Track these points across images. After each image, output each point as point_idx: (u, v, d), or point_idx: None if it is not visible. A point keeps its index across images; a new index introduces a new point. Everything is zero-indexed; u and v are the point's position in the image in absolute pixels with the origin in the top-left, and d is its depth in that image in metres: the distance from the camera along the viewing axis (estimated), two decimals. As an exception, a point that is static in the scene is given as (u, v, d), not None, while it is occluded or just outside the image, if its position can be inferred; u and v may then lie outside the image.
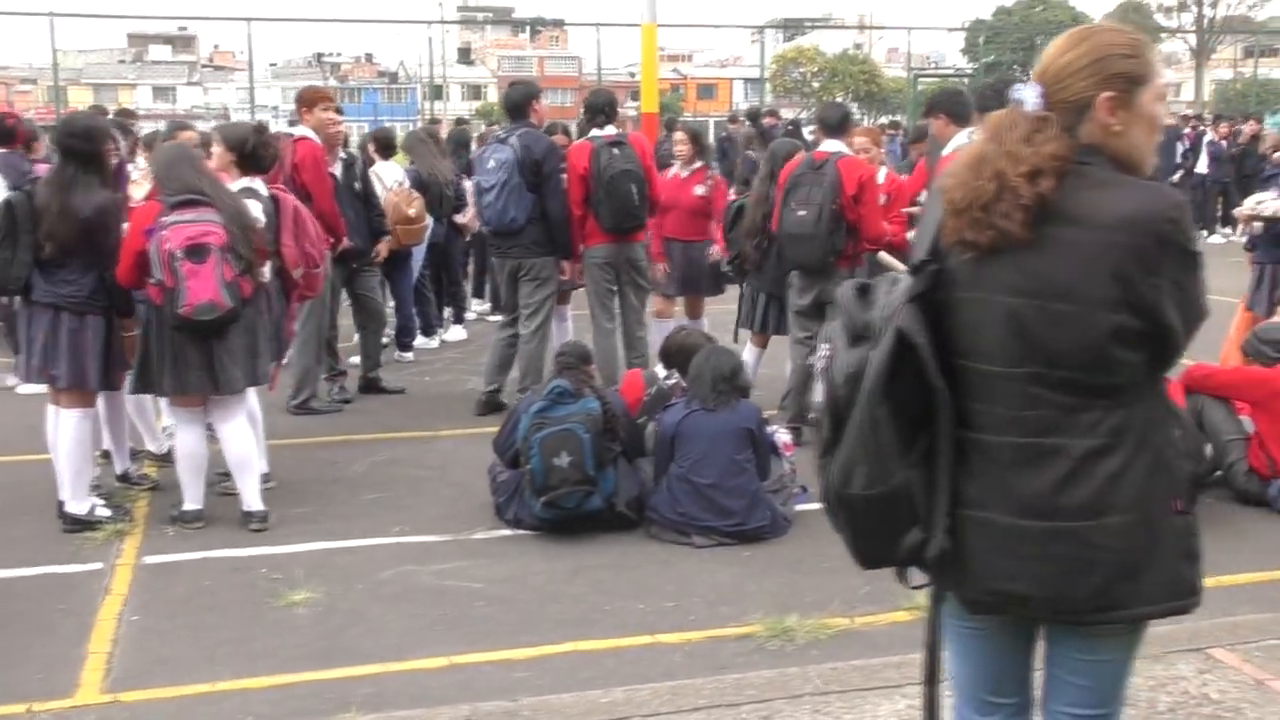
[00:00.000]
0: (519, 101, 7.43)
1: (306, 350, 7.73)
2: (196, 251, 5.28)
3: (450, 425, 7.51)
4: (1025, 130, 2.25)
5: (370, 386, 8.46)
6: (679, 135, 8.27)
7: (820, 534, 5.58)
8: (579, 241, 7.55)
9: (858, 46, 70.66)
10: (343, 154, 8.29)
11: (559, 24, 53.72)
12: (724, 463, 5.42)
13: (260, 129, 6.22)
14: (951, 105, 6.33)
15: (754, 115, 21.79)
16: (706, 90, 72.66)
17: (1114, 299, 2.16)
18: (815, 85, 64.28)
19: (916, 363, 2.24)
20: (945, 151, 5.93)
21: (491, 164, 7.29)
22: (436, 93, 59.79)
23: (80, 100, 45.72)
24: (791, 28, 70.37)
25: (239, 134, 6.07)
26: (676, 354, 6.02)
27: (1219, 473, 6.13)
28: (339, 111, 8.19)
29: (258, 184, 6.07)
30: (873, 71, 51.79)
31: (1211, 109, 38.25)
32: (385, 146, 9.57)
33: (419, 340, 9.95)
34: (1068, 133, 2.25)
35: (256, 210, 5.73)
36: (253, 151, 5.95)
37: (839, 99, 51.45)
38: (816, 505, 5.80)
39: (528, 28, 52.48)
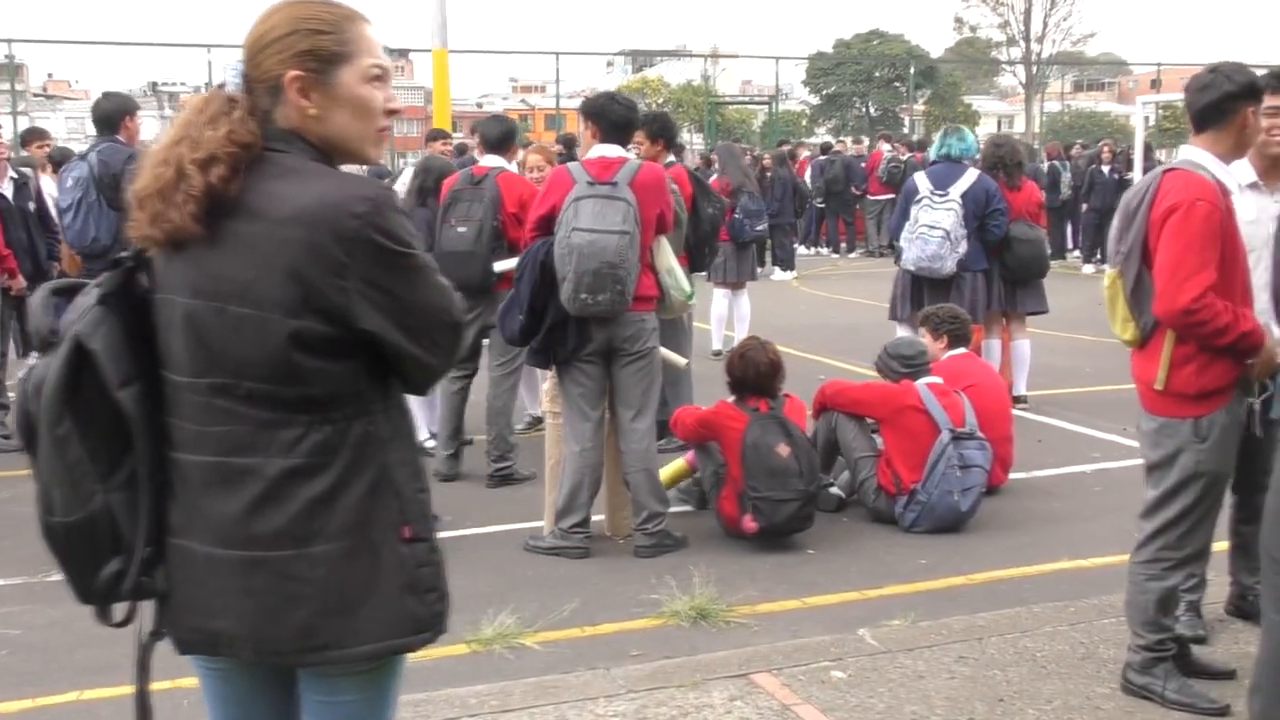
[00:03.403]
0: (110, 114, 7.05)
1: None
2: None
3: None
4: (213, 112, 2.02)
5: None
6: None
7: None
8: None
9: (705, 78, 71.51)
10: (13, 174, 7.86)
11: (404, 53, 53.16)
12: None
13: None
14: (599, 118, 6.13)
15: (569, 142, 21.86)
16: (554, 121, 72.54)
17: (293, 301, 1.94)
18: (662, 116, 64.64)
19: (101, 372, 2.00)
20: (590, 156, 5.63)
21: (69, 183, 6.91)
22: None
23: (-112, 130, 43.71)
24: (640, 57, 70.81)
25: None
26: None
27: (854, 494, 6.07)
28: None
29: None
30: (716, 101, 52.43)
31: (1041, 139, 39.47)
32: (59, 165, 9.10)
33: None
34: (262, 115, 2.03)
35: None
36: None
37: (685, 129, 51.82)
38: (450, 534, 5.70)
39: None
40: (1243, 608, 4.42)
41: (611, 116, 5.35)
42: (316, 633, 2.02)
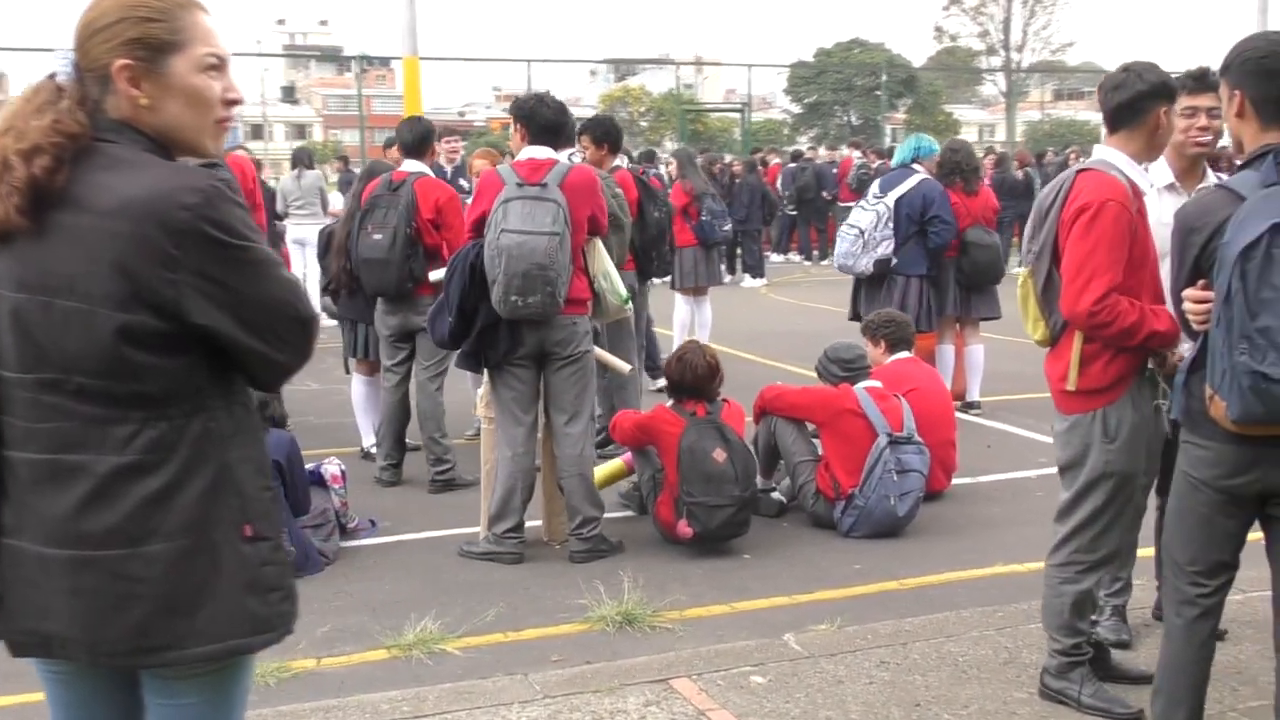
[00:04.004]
0: None
1: None
2: None
3: None
4: (40, 102, 1.98)
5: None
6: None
7: (364, 569, 5.36)
8: None
9: (688, 86, 71.56)
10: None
11: (386, 62, 53.29)
12: (242, 498, 5.07)
13: None
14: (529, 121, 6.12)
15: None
16: (538, 129, 72.27)
17: (122, 295, 1.90)
18: (644, 125, 64.91)
19: None
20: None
21: None
22: (257, 132, 58.57)
23: None
24: (622, 65, 70.88)
25: None
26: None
27: (795, 499, 6.03)
28: None
29: None
30: (709, 111, 52.59)
31: (1016, 148, 39.54)
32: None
33: None
34: (93, 105, 1.99)
35: None
36: None
37: (667, 138, 51.89)
38: (386, 539, 5.65)
39: (354, 65, 51.84)
40: (1168, 612, 4.39)
41: (540, 119, 5.31)
42: (152, 633, 1.98)
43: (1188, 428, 3.13)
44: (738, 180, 16.73)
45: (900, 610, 4.80)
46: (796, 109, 61.51)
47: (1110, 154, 3.69)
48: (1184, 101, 3.95)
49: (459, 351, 5.44)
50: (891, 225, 7.70)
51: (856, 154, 19.77)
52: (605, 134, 6.93)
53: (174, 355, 1.95)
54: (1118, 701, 3.78)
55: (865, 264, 7.80)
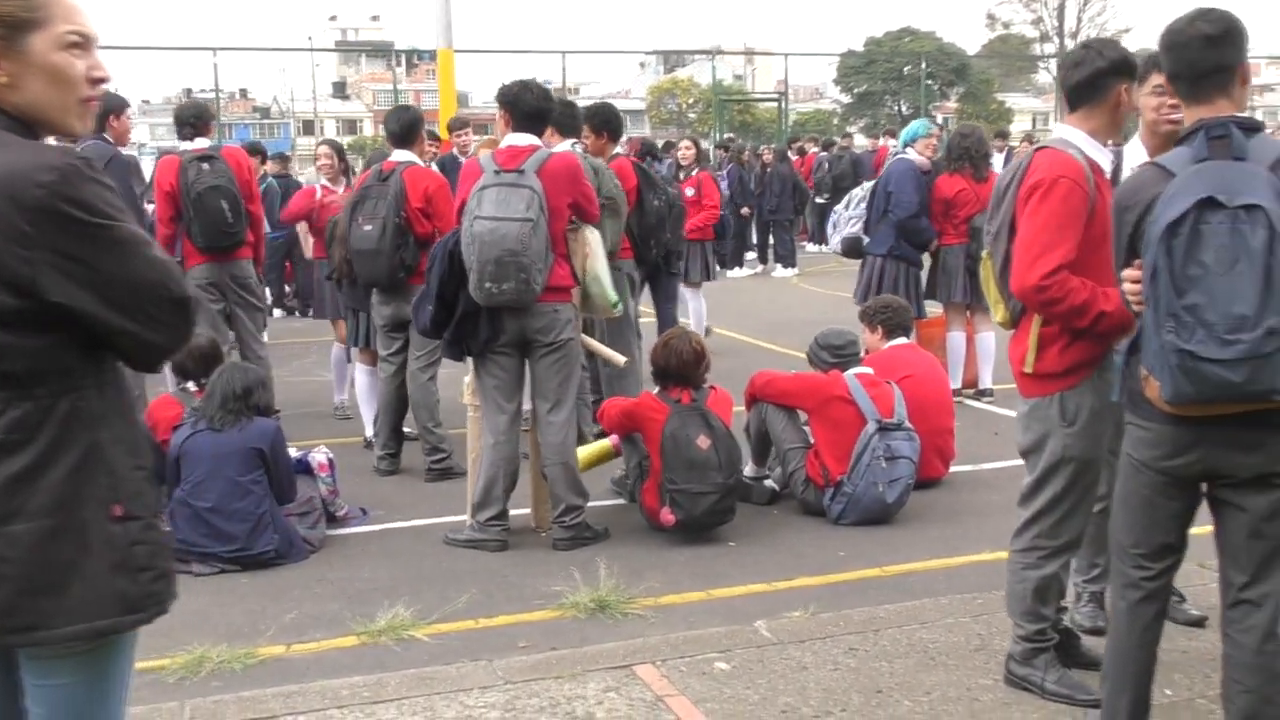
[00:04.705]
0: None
1: None
2: None
3: None
4: None
5: None
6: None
7: (348, 557, 5.38)
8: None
9: (737, 78, 71.30)
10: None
11: (433, 56, 53.58)
12: (225, 485, 5.12)
13: None
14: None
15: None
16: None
17: None
18: (692, 116, 64.79)
19: None
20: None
21: None
22: (308, 127, 59.12)
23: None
24: (671, 57, 70.79)
25: None
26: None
27: (786, 487, 5.98)
28: None
29: None
30: (746, 101, 52.46)
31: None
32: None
33: None
34: None
35: None
36: None
37: (713, 129, 51.83)
38: (374, 527, 5.67)
39: (403, 61, 52.17)
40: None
41: (524, 106, 5.29)
42: (16, 613, 1.98)
43: (1129, 409, 3.06)
44: (769, 170, 16.62)
45: (880, 597, 4.75)
46: (846, 99, 61.18)
47: (1069, 132, 3.62)
48: (1155, 80, 3.86)
49: (443, 340, 5.44)
50: (863, 206, 7.84)
51: (893, 142, 19.54)
52: (604, 122, 6.91)
53: (34, 334, 1.95)
54: (1081, 688, 3.71)
55: (834, 243, 8.33)
